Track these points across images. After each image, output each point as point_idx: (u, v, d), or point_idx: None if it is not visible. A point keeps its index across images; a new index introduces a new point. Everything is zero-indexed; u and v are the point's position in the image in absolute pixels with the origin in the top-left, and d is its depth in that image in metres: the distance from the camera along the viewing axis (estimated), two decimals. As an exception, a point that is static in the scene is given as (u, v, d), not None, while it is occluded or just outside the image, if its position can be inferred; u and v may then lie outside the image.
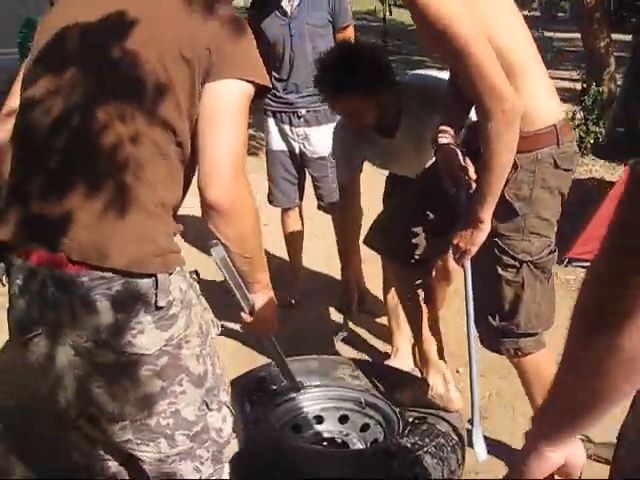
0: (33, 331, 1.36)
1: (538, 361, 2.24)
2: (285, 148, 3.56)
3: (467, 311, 2.20)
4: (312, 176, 3.63)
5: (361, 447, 2.34)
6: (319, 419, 2.49)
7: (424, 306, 2.47)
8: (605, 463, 2.37)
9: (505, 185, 1.98)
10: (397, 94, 2.52)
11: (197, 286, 1.48)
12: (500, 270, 2.13)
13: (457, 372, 2.97)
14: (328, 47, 3.14)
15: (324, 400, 2.52)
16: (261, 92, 1.41)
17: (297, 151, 3.56)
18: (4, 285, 1.43)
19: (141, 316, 1.30)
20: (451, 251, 2.18)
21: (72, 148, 1.32)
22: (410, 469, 2.03)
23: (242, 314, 1.55)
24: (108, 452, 1.54)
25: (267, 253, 4.26)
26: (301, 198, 3.68)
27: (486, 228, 2.00)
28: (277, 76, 3.44)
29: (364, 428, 2.43)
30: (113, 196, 1.29)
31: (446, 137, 2.16)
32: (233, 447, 1.55)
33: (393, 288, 2.90)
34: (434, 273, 2.70)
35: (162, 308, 1.32)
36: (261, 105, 3.53)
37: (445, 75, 2.42)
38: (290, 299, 3.67)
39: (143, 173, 1.30)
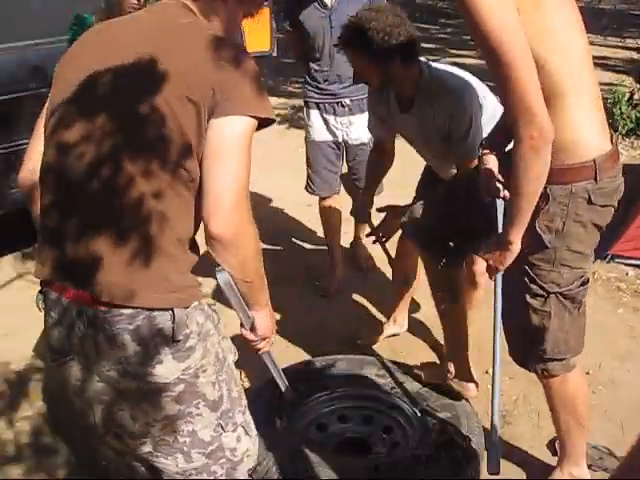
0: (65, 356, 1.50)
1: (566, 382, 2.25)
2: (328, 138, 3.58)
3: (495, 322, 2.20)
4: (350, 161, 3.67)
5: (381, 450, 2.41)
6: (344, 419, 2.57)
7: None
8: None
9: (537, 215, 1.96)
10: (412, 72, 2.57)
11: (215, 316, 1.59)
12: (528, 298, 2.12)
13: (486, 373, 2.99)
14: None
15: (349, 400, 2.60)
16: (265, 123, 1.47)
17: (340, 139, 3.59)
18: (40, 310, 1.57)
19: (160, 349, 1.42)
20: (478, 259, 2.19)
21: (104, 197, 1.41)
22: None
23: (242, 330, 1.65)
24: (134, 461, 1.66)
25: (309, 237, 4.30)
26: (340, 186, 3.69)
27: (515, 249, 1.98)
28: (318, 68, 3.45)
29: (387, 430, 2.51)
30: (139, 245, 1.39)
31: (487, 161, 2.13)
32: (247, 464, 1.67)
33: (403, 262, 3.13)
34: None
35: (179, 341, 1.43)
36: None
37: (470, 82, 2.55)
38: (330, 288, 3.72)
39: (166, 221, 1.40)
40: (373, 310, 3.59)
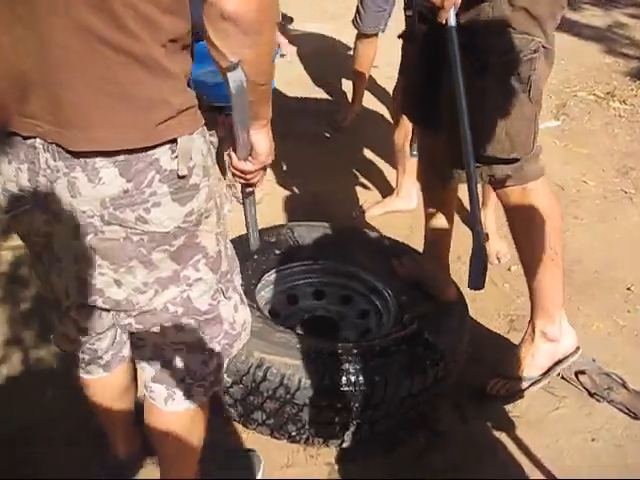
0: (23, 204, 1.15)
1: (526, 196, 1.84)
2: None
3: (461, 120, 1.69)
4: None
5: (349, 335, 2.10)
6: (319, 294, 2.26)
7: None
8: (634, 418, 1.97)
9: None
10: None
11: (213, 149, 1.25)
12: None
13: (509, 270, 2.59)
14: None
15: (329, 275, 2.27)
16: None
17: None
18: None
19: (156, 186, 1.08)
20: None
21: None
22: (370, 371, 1.76)
23: (232, 155, 1.24)
24: (100, 339, 1.41)
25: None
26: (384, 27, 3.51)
27: None
28: None
29: (363, 315, 2.18)
30: (118, 60, 1.00)
31: None
32: (243, 341, 1.40)
33: (401, 129, 2.81)
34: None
35: (182, 177, 1.10)
36: None
37: None
38: (342, 121, 3.71)
39: (145, 16, 0.99)
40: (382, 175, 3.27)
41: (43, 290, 1.35)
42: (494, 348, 2.22)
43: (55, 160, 1.05)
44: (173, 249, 1.15)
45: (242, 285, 1.74)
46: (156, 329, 1.24)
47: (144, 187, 1.07)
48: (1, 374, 2.05)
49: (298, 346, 1.82)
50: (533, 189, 1.83)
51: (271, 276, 2.22)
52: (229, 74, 1.09)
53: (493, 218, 2.73)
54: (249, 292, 2.02)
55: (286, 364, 1.76)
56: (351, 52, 3.79)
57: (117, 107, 1.02)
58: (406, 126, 2.70)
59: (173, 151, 1.07)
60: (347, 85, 4.00)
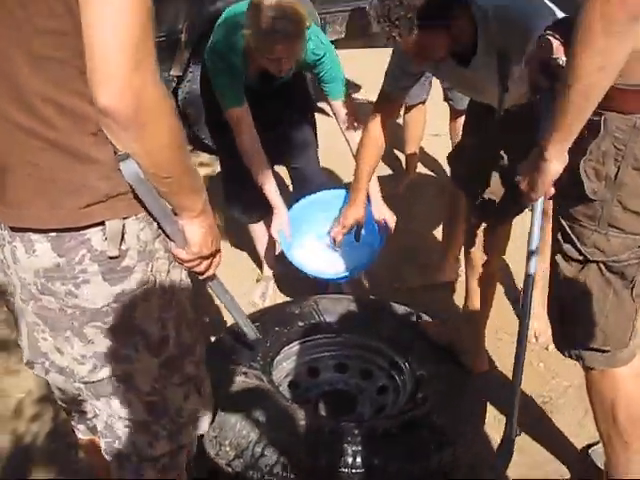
0: None
1: (605, 379, 1.72)
2: None
3: (527, 273, 1.71)
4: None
5: (365, 411, 2.08)
6: (341, 367, 2.25)
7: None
8: None
9: (582, 153, 1.45)
10: (470, 17, 1.87)
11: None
12: (560, 259, 1.62)
13: (546, 349, 2.48)
14: None
15: (352, 349, 2.27)
16: None
17: None
18: None
19: (86, 264, 1.13)
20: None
21: None
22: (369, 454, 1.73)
23: (170, 245, 1.22)
24: (62, 396, 1.47)
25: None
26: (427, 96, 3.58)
27: (551, 170, 1.45)
28: None
29: (381, 390, 2.16)
30: (35, 147, 1.08)
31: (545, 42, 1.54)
32: (194, 429, 1.40)
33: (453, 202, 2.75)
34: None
35: (113, 258, 1.13)
36: None
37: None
38: (395, 189, 3.59)
39: (59, 105, 1.06)
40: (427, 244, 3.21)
41: None
42: (525, 430, 2.12)
43: (2, 229, 1.16)
44: (106, 326, 1.18)
45: (248, 362, 1.79)
46: (105, 400, 1.27)
47: (75, 263, 1.12)
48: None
49: (300, 423, 1.81)
50: (621, 373, 1.72)
51: (293, 348, 2.24)
52: (120, 164, 1.07)
53: (540, 299, 2.64)
54: (265, 364, 2.05)
55: (284, 441, 1.76)
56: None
57: (43, 189, 1.09)
58: (457, 199, 2.70)
59: (104, 233, 1.11)
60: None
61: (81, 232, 1.11)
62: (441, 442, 1.80)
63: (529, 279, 1.72)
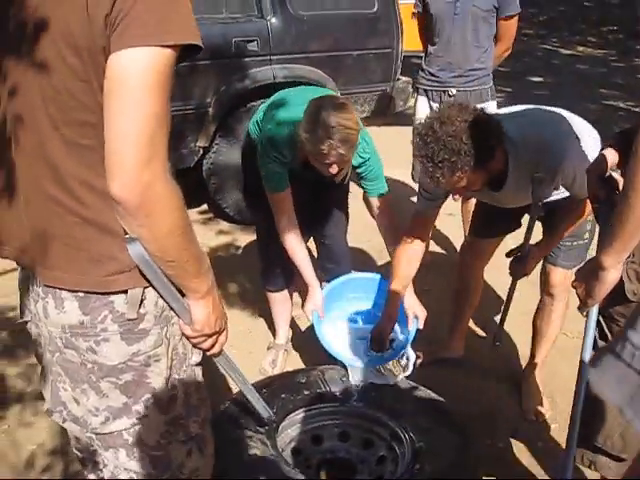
0: (25, 316, 1.41)
1: None
2: None
3: (580, 366, 1.73)
4: None
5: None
6: (344, 436, 2.32)
7: None
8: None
9: (627, 256, 1.51)
10: (503, 150, 2.07)
11: None
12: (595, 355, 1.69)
13: (548, 429, 2.52)
14: (488, 33, 3.38)
15: (355, 418, 2.33)
16: (190, 53, 1.15)
17: None
18: None
19: (107, 323, 1.25)
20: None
21: (25, 168, 1.24)
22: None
23: (179, 322, 1.33)
24: (77, 445, 1.57)
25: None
26: None
27: (609, 279, 1.46)
28: (433, 52, 3.45)
29: (380, 460, 2.22)
30: (70, 223, 1.22)
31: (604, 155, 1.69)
32: None
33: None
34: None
35: (132, 320, 1.26)
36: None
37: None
38: None
39: (95, 190, 1.20)
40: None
41: None
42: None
43: (37, 286, 1.29)
44: (121, 382, 1.29)
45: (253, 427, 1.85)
46: (113, 451, 1.36)
47: (97, 322, 1.24)
48: None
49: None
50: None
51: (298, 415, 2.31)
52: (128, 246, 1.19)
53: (538, 379, 2.72)
54: (270, 430, 2.12)
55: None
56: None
57: (72, 256, 1.23)
58: (467, 277, 2.85)
59: (127, 297, 1.23)
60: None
61: (105, 295, 1.24)
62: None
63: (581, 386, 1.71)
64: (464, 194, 2.13)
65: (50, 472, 2.29)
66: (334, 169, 2.32)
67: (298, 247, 2.55)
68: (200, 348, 1.39)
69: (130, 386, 1.30)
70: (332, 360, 2.64)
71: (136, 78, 1.08)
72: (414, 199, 4.20)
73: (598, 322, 1.68)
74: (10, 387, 2.73)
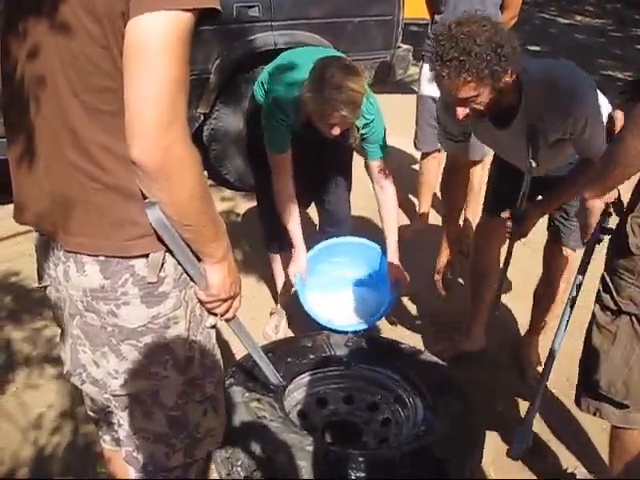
0: (44, 281, 1.44)
1: (632, 441, 1.80)
2: (435, 94, 3.32)
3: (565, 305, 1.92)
4: None
5: (369, 441, 2.19)
6: (349, 399, 2.37)
7: None
8: None
9: (631, 210, 1.59)
10: (517, 82, 2.04)
11: None
12: (597, 308, 1.75)
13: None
14: (495, 0, 3.30)
15: (360, 381, 2.38)
16: (208, 17, 1.15)
17: None
18: None
19: (128, 287, 1.26)
20: None
21: (49, 134, 1.25)
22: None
23: (194, 288, 1.35)
24: (92, 406, 1.62)
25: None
26: None
27: (593, 209, 1.68)
28: (440, 21, 3.29)
29: (384, 423, 2.27)
30: (94, 188, 1.22)
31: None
32: (208, 445, 1.51)
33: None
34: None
35: (151, 283, 1.27)
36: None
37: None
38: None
39: (120, 157, 1.19)
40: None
41: None
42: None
43: (58, 250, 1.31)
44: (141, 345, 1.31)
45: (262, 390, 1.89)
46: (130, 412, 1.39)
47: (118, 286, 1.26)
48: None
49: (308, 448, 1.92)
50: (636, 435, 1.80)
51: (304, 379, 2.35)
52: (147, 211, 1.19)
53: (538, 347, 2.76)
54: (277, 393, 2.16)
55: (293, 465, 1.87)
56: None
57: (94, 221, 1.24)
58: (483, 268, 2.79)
59: (147, 261, 1.25)
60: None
61: (127, 259, 1.25)
62: (442, 473, 1.90)
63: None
64: (469, 118, 2.09)
65: (59, 433, 2.32)
66: (336, 130, 2.32)
67: (290, 208, 2.56)
68: (214, 313, 1.41)
69: (150, 348, 1.32)
70: (317, 325, 2.66)
71: (156, 43, 1.08)
72: (416, 167, 4.23)
73: (603, 276, 1.73)
74: (16, 351, 2.75)
